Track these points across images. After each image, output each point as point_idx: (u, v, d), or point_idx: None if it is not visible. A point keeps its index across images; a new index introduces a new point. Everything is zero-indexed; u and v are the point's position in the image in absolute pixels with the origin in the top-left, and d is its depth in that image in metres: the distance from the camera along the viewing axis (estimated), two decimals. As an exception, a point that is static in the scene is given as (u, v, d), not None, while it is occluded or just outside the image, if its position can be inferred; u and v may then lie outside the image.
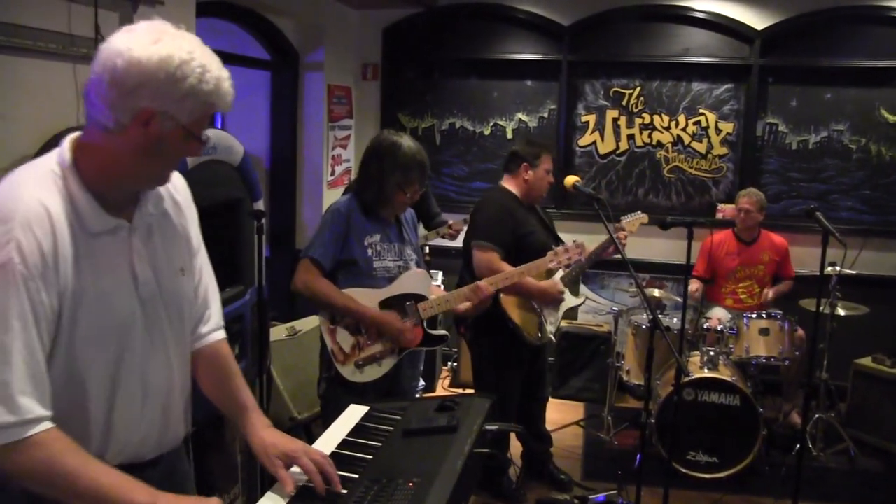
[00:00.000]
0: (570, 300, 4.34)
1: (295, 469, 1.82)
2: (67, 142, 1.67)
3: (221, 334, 2.06)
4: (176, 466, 1.96)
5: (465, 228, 4.49)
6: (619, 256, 3.73)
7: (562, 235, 4.44)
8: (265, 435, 1.89)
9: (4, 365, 1.50)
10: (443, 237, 5.46)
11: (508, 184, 4.36)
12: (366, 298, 3.27)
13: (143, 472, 1.74)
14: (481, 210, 4.30)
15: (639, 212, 4.52)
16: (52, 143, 3.09)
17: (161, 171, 1.72)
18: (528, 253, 4.00)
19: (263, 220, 3.43)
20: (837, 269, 4.96)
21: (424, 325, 3.41)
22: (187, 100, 1.58)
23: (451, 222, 5.39)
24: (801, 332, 5.29)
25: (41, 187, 1.59)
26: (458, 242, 5.22)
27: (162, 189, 1.84)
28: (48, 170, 1.63)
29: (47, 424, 1.54)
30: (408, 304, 3.35)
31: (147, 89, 1.55)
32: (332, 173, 6.65)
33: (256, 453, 1.88)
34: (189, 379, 1.95)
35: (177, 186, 1.91)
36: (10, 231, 1.51)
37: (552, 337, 4.33)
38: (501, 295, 4.03)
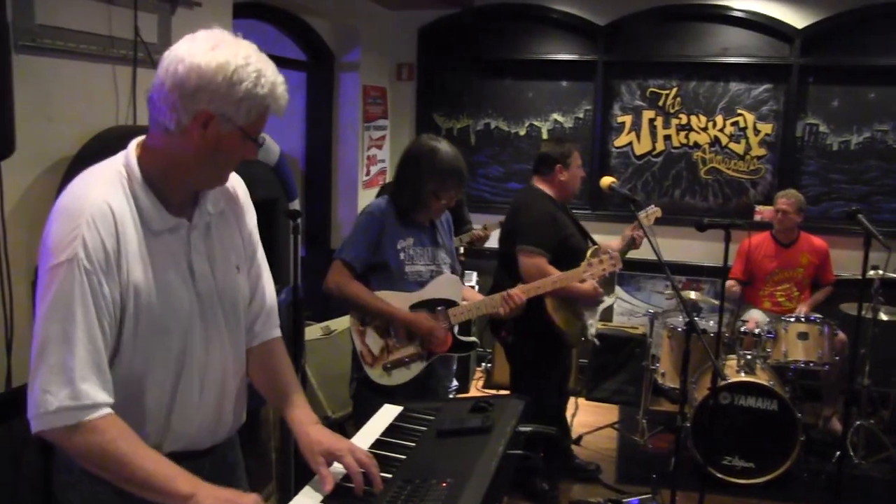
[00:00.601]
0: (605, 300, 4.33)
1: (336, 466, 1.82)
2: (133, 144, 1.76)
3: (276, 332, 2.12)
4: (228, 457, 2.03)
5: (494, 232, 4.48)
6: (654, 256, 3.71)
7: (597, 237, 4.42)
8: (311, 431, 1.91)
9: (67, 352, 1.58)
10: (469, 244, 5.45)
11: (542, 185, 4.33)
12: (397, 302, 3.26)
13: (196, 460, 1.83)
14: (523, 214, 4.25)
15: (652, 205, 4.49)
16: (94, 143, 3.14)
17: (219, 172, 1.79)
18: (568, 256, 3.99)
19: (299, 220, 3.45)
20: (880, 272, 4.88)
21: (454, 331, 3.40)
22: (243, 103, 1.66)
23: (476, 229, 5.38)
24: (841, 336, 5.21)
25: (107, 187, 1.68)
26: (492, 243, 5.22)
27: (221, 190, 1.91)
28: (114, 171, 1.72)
29: (106, 410, 1.62)
30: (438, 309, 3.35)
31: (206, 93, 1.63)
32: (367, 173, 6.66)
33: (301, 449, 1.90)
34: (243, 373, 2.01)
35: (236, 187, 1.99)
36: (77, 228, 1.60)
37: (595, 340, 4.33)
38: (546, 299, 4.01)
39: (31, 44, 2.95)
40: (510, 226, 4.31)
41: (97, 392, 1.61)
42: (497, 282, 4.24)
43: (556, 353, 4.28)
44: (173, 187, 1.76)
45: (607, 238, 4.49)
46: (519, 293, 3.49)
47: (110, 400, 1.64)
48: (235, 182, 1.99)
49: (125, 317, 1.68)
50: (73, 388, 1.58)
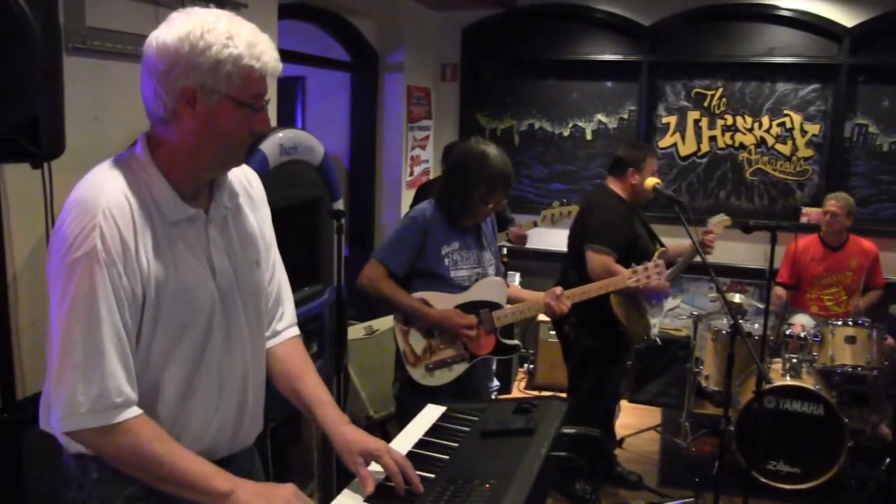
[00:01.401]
0: (668, 301, 4.31)
1: (373, 466, 1.81)
2: (142, 137, 1.73)
3: (295, 331, 2.08)
4: (248, 469, 1.96)
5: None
6: (698, 259, 3.68)
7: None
8: (346, 431, 1.87)
9: (94, 348, 1.56)
10: (508, 242, 5.44)
11: (615, 186, 4.33)
12: (441, 303, 3.27)
13: None
14: (594, 212, 4.27)
15: (721, 214, 4.45)
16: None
17: (229, 151, 1.72)
18: (634, 257, 3.99)
19: (343, 220, 3.47)
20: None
21: (498, 333, 3.40)
22: (219, 67, 1.60)
23: (513, 230, 5.35)
24: (890, 340, 5.11)
25: (122, 178, 1.65)
26: (534, 244, 5.22)
27: (237, 184, 1.88)
28: (128, 162, 1.70)
29: (136, 410, 1.61)
30: (482, 311, 3.34)
31: (178, 67, 1.60)
32: (411, 174, 6.68)
33: (337, 450, 1.86)
34: (264, 375, 1.97)
35: (251, 182, 1.95)
36: (94, 219, 1.57)
37: (657, 339, 4.31)
38: (612, 296, 4.01)
39: (81, 46, 3.01)
40: (581, 225, 4.32)
41: (127, 389, 1.59)
42: (564, 280, 4.25)
43: (619, 353, 4.27)
44: (186, 175, 1.71)
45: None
46: (565, 301, 3.46)
47: (136, 397, 1.63)
48: (251, 176, 1.97)
49: (144, 310, 1.64)
50: (103, 386, 1.56)
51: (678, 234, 4.12)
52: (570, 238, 4.38)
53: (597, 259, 4.08)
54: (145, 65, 1.65)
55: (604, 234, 4.13)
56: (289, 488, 1.66)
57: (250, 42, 1.63)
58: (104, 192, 1.61)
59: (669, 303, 4.43)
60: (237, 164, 1.80)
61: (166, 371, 1.69)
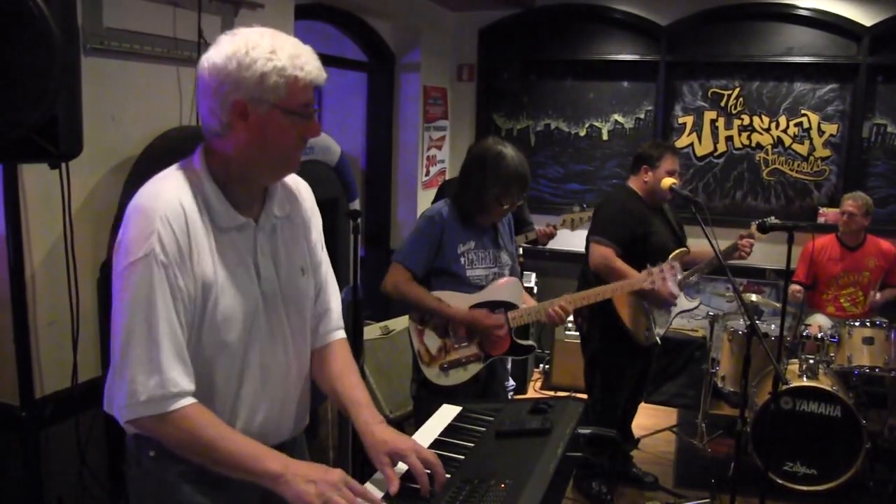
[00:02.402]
0: (683, 303, 4.29)
1: (401, 464, 1.82)
2: (200, 148, 1.84)
3: (340, 334, 2.17)
4: (298, 456, 2.03)
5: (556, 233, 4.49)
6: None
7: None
8: (377, 430, 1.90)
9: (153, 343, 1.68)
10: (532, 242, 5.43)
11: (633, 183, 4.37)
12: (457, 302, 3.27)
13: None
14: (603, 207, 4.38)
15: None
16: (158, 143, 3.20)
17: (281, 157, 1.82)
18: (647, 253, 4.01)
19: (359, 220, 3.47)
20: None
21: (513, 334, 3.40)
22: (265, 79, 1.70)
23: (541, 227, 5.35)
24: (909, 341, 5.08)
25: (178, 187, 1.77)
26: (551, 245, 5.21)
27: (287, 194, 1.99)
28: (185, 172, 1.81)
29: (191, 399, 1.72)
30: (497, 311, 3.34)
31: (229, 84, 1.71)
32: (427, 174, 6.69)
33: (367, 448, 1.89)
34: (307, 374, 2.07)
35: (302, 194, 2.05)
36: (152, 224, 1.69)
37: (658, 339, 4.29)
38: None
39: (99, 46, 3.03)
40: (592, 219, 4.41)
41: (183, 380, 1.70)
42: (582, 279, 4.34)
43: (629, 351, 4.25)
44: (239, 184, 1.82)
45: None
46: (564, 306, 3.45)
47: (193, 387, 1.73)
48: (303, 188, 2.07)
49: (196, 310, 1.75)
50: (161, 377, 1.67)
51: (694, 234, 4.11)
52: (587, 237, 4.38)
53: (597, 251, 4.14)
54: (199, 85, 1.76)
55: (607, 227, 4.20)
56: (338, 473, 1.69)
57: (293, 54, 1.73)
58: (161, 199, 1.73)
59: (689, 303, 4.40)
60: (290, 170, 1.91)
61: (216, 364, 1.81)
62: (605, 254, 4.10)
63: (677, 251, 4.18)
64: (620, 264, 4.04)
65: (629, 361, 4.33)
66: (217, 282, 1.77)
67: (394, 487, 1.76)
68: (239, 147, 1.77)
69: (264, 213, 1.89)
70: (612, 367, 4.32)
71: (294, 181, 2.05)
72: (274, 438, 1.94)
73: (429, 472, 1.78)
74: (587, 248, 4.30)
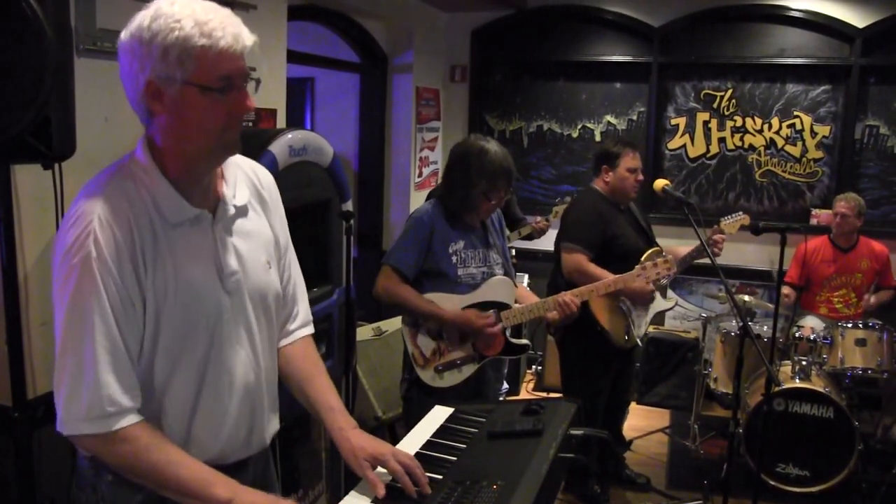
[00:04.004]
0: (659, 303, 4.29)
1: (380, 468, 1.81)
2: (142, 138, 1.69)
3: (308, 331, 2.06)
4: (263, 473, 1.95)
5: (551, 225, 4.48)
6: (707, 260, 3.67)
7: (650, 240, 4.39)
8: (352, 436, 1.86)
9: (87, 358, 1.55)
10: (527, 237, 5.43)
11: (597, 185, 4.36)
12: (448, 304, 3.27)
13: (229, 476, 1.73)
14: (570, 212, 4.35)
15: (740, 212, 4.44)
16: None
17: (210, 141, 1.63)
18: (617, 256, 4.00)
19: (352, 221, 3.47)
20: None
21: (507, 333, 3.40)
22: (168, 54, 1.54)
23: (534, 221, 5.35)
24: (901, 342, 5.09)
25: (119, 183, 1.63)
26: (543, 245, 5.22)
27: (247, 183, 1.84)
28: (128, 166, 1.67)
29: (134, 417, 1.59)
30: (490, 311, 3.35)
31: (136, 64, 1.57)
32: (420, 175, 6.69)
33: (344, 455, 1.86)
34: (276, 376, 1.94)
35: (263, 183, 1.91)
36: (90, 225, 1.55)
37: (638, 341, 4.29)
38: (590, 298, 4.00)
39: (92, 47, 3.02)
40: (560, 224, 4.37)
41: (121, 397, 1.57)
42: (554, 280, 4.27)
43: (603, 354, 4.23)
44: (183, 175, 1.66)
45: (663, 241, 4.45)
46: (573, 298, 3.47)
47: (136, 404, 1.61)
48: (261, 174, 1.92)
49: (146, 316, 1.61)
50: (96, 396, 1.55)
51: (688, 235, 4.11)
52: (555, 241, 4.37)
53: (568, 259, 4.13)
54: (120, 71, 1.62)
55: (576, 232, 4.17)
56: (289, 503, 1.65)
57: (200, 20, 1.54)
58: (100, 198, 1.59)
59: (664, 304, 4.39)
60: (229, 152, 1.71)
61: (174, 375, 1.67)
62: (577, 260, 4.09)
63: (650, 251, 4.16)
64: (594, 268, 4.02)
65: (606, 365, 4.31)
66: (169, 284, 1.62)
67: (380, 490, 1.74)
68: (164, 133, 1.62)
69: (222, 203, 1.74)
70: (590, 371, 4.29)
71: (251, 166, 1.90)
72: (242, 452, 1.83)
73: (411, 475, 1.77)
74: (556, 253, 4.28)
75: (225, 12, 1.59)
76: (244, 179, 1.84)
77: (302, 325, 2.04)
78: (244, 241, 1.78)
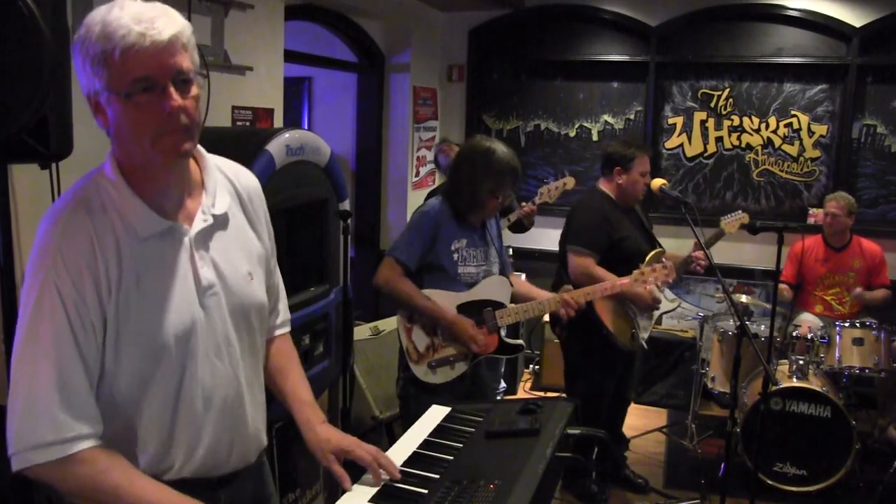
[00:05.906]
0: (664, 304, 4.28)
1: (366, 477, 1.81)
2: (110, 151, 1.62)
3: (285, 329, 2.04)
4: (252, 490, 1.88)
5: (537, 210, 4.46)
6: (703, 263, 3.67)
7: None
8: (319, 430, 1.86)
9: (41, 381, 1.48)
10: (518, 227, 5.39)
11: (604, 186, 4.32)
12: (445, 301, 3.28)
13: (211, 492, 1.71)
14: (577, 213, 4.28)
15: (739, 211, 4.44)
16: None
17: (149, 147, 1.51)
18: (622, 258, 3.98)
19: (349, 221, 3.48)
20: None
21: (501, 333, 3.41)
22: (86, 66, 1.47)
23: (522, 205, 5.30)
24: (898, 342, 5.10)
25: (84, 199, 1.55)
26: (541, 244, 5.21)
27: (229, 190, 1.75)
28: (95, 180, 1.59)
29: (90, 442, 1.51)
30: (486, 310, 3.36)
31: (80, 77, 1.52)
32: (417, 174, 6.69)
33: (310, 447, 1.86)
34: (262, 390, 1.87)
35: (245, 187, 1.81)
36: (51, 243, 1.50)
37: (644, 344, 4.28)
38: (597, 300, 4.00)
39: (89, 46, 3.01)
40: (566, 226, 4.32)
41: (76, 423, 1.49)
42: (557, 281, 4.26)
43: (607, 356, 4.23)
44: (148, 186, 1.58)
45: (660, 241, 4.44)
46: (577, 298, 3.46)
47: (94, 430, 1.52)
48: (242, 176, 1.82)
49: (107, 334, 1.53)
50: (50, 421, 1.47)
51: (685, 235, 4.12)
52: (559, 240, 4.37)
53: (575, 261, 4.10)
54: None
55: (583, 235, 4.14)
56: None
57: (106, 21, 1.44)
58: (63, 214, 1.52)
59: (667, 305, 4.39)
60: (175, 153, 1.54)
61: (146, 391, 1.58)
62: (584, 263, 4.07)
63: (654, 252, 4.16)
64: (601, 272, 4.00)
65: (610, 367, 4.30)
66: (133, 300, 1.53)
67: (348, 483, 1.77)
68: (114, 146, 1.56)
69: (199, 214, 1.65)
70: (594, 373, 4.29)
71: (234, 171, 1.80)
72: (224, 468, 1.74)
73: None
74: (561, 253, 4.27)
75: (146, 6, 1.47)
76: (225, 186, 1.75)
77: (280, 324, 2.02)
78: (224, 253, 1.70)
